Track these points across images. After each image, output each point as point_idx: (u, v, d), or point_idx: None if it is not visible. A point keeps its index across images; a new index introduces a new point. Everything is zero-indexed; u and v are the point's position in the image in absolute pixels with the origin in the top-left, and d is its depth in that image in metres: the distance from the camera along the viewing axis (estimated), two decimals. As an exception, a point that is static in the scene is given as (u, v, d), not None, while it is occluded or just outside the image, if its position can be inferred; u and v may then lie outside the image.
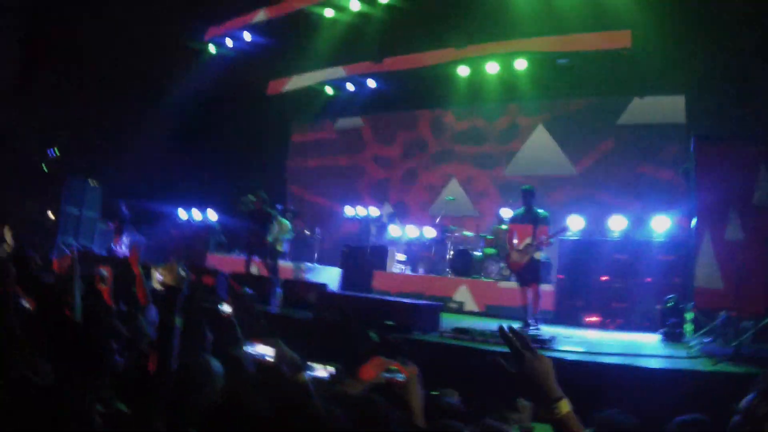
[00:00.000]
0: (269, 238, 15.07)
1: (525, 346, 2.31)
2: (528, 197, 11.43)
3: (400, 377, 3.52)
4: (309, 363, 4.94)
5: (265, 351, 4.22)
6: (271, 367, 4.20)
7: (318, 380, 4.76)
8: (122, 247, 18.73)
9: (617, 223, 13.57)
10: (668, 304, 10.91)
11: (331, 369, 4.96)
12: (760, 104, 12.34)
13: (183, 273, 3.71)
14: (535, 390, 2.28)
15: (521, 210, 11.62)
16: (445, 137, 20.07)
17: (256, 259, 15.19)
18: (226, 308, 5.88)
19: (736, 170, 9.26)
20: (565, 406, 2.24)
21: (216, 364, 3.63)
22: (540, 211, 11.44)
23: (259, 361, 4.22)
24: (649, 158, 15.95)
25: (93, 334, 3.58)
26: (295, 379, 4.21)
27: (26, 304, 5.09)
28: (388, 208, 19.70)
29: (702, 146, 9.74)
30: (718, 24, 13.13)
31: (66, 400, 2.88)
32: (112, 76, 19.20)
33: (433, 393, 4.35)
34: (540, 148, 18.01)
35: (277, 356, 4.27)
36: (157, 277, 4.81)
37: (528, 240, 11.20)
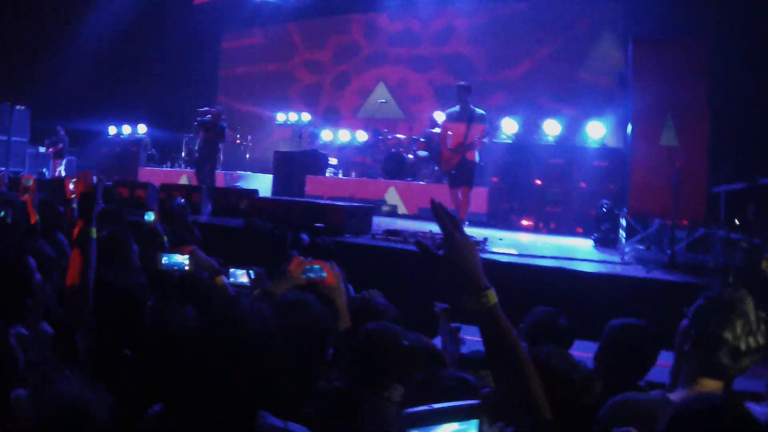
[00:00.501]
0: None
1: (456, 226, 2.07)
2: (463, 94, 10.92)
3: (323, 276, 3.40)
4: (230, 268, 4.84)
5: (182, 259, 4.12)
6: (189, 274, 4.15)
7: (239, 284, 4.69)
8: (60, 171, 18.56)
9: (552, 128, 13.43)
10: (602, 210, 10.85)
11: (251, 273, 4.85)
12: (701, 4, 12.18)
13: (95, 179, 3.55)
14: (463, 276, 2.03)
15: (456, 108, 11.07)
16: (378, 40, 19.64)
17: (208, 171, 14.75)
18: (150, 217, 5.80)
19: (673, 73, 9.11)
20: (492, 296, 2.02)
21: (142, 277, 3.42)
22: (476, 109, 10.96)
23: (180, 271, 4.18)
24: (587, 63, 15.83)
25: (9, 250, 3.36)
26: (213, 283, 4.11)
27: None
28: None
29: (639, 49, 9.54)
30: None
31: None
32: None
33: (362, 293, 4.20)
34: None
35: (192, 263, 4.26)
36: (70, 186, 4.82)
37: (461, 139, 10.81)
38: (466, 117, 10.83)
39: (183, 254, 4.27)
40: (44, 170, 18.70)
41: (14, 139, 19.01)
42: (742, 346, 2.41)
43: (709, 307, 2.51)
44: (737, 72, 11.07)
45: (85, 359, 3.10)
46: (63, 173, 17.96)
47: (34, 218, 5.51)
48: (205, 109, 14.84)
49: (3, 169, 17.43)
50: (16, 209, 6.05)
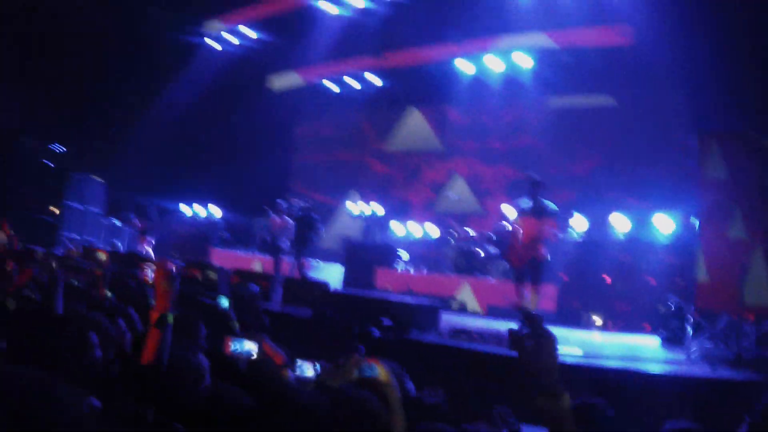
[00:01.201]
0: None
1: (541, 326, 2.19)
2: (535, 188, 10.65)
3: (376, 374, 3.47)
4: (297, 360, 4.93)
5: (251, 347, 4.22)
6: (257, 363, 4.22)
7: (304, 378, 4.77)
8: (148, 247, 18.72)
9: (620, 223, 13.41)
10: (670, 306, 10.72)
11: (317, 367, 4.94)
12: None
13: (174, 268, 3.62)
14: (541, 376, 2.13)
15: (528, 203, 10.72)
16: (447, 132, 19.90)
17: (305, 260, 15.02)
18: (225, 302, 5.85)
19: (739, 164, 9.08)
20: (568, 400, 2.10)
21: (203, 360, 3.57)
22: (548, 204, 10.64)
23: (247, 359, 4.22)
24: (655, 156, 15.79)
25: (71, 326, 3.52)
26: (279, 375, 4.19)
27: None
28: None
29: (704, 140, 9.54)
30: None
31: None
32: (114, 70, 19.15)
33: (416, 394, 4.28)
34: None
35: (260, 352, 4.30)
36: (148, 272, 4.82)
37: (534, 234, 10.49)
38: (539, 212, 10.54)
39: (252, 341, 4.33)
40: (117, 242, 18.81)
41: (90, 209, 19.27)
42: None
43: None
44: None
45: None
46: (150, 252, 18.21)
47: (103, 291, 5.65)
48: (296, 200, 15.13)
49: (78, 237, 17.83)
50: (88, 279, 6.10)
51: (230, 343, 4.26)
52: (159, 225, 19.26)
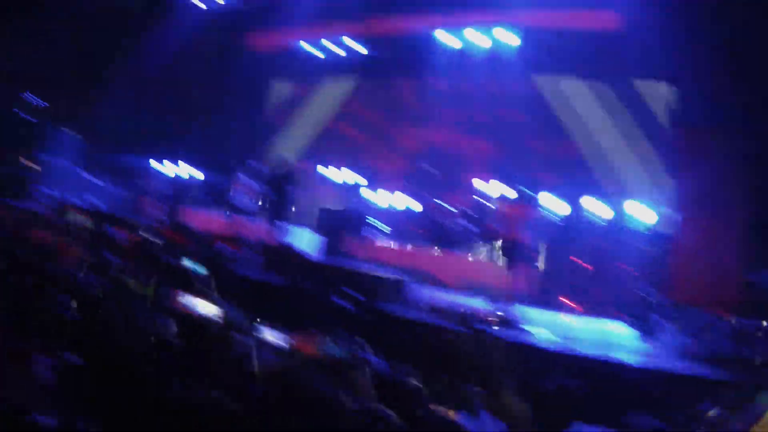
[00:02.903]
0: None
1: (491, 332, 2.17)
2: (517, 175, 11.35)
3: (337, 353, 3.40)
4: (261, 326, 4.88)
5: (215, 310, 4.21)
6: (215, 325, 4.21)
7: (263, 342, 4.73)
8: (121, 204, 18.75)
9: (602, 209, 13.38)
10: (644, 297, 10.72)
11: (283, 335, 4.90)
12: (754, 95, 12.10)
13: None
14: (493, 375, 2.16)
15: (510, 188, 11.34)
16: (429, 101, 19.67)
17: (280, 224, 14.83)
18: (198, 267, 5.93)
19: (719, 160, 9.05)
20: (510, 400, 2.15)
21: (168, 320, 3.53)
22: (529, 192, 11.15)
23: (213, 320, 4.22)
24: (639, 145, 15.76)
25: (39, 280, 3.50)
26: (239, 338, 4.14)
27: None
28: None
29: (686, 134, 9.50)
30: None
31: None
32: (93, 24, 18.89)
33: (390, 373, 4.21)
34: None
35: (226, 316, 4.34)
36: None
37: (515, 220, 10.92)
38: (521, 198, 10.99)
39: (219, 304, 4.28)
40: (92, 199, 18.64)
41: (66, 164, 19.14)
42: None
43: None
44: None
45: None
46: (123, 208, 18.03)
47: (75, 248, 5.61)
48: (282, 161, 14.86)
49: (53, 192, 17.64)
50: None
51: (196, 305, 4.24)
52: (134, 182, 19.09)
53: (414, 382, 3.99)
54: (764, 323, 8.52)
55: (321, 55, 20.38)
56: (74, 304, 3.99)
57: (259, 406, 2.53)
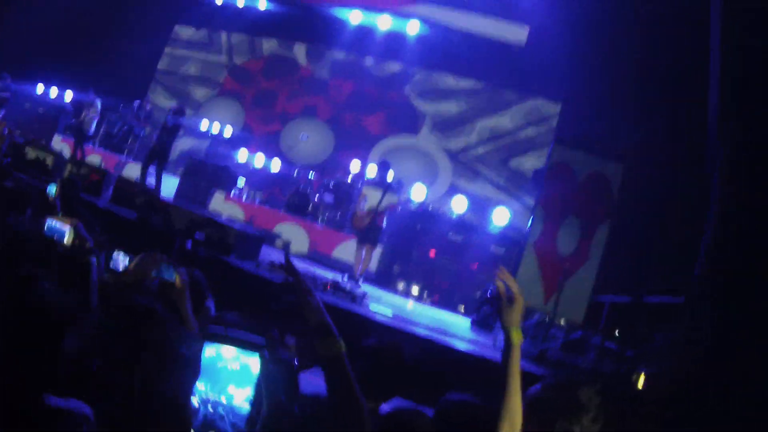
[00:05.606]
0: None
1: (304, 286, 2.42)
2: (384, 164, 11.57)
3: (173, 279, 3.39)
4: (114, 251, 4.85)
5: (65, 229, 4.09)
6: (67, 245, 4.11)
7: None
8: None
9: (459, 205, 13.62)
10: (486, 293, 10.97)
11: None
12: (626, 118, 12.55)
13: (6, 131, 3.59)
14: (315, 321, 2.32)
15: (374, 173, 11.91)
16: (319, 66, 19.64)
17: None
18: (52, 190, 5.93)
19: (584, 178, 9.30)
20: (341, 346, 2.29)
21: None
22: (393, 179, 11.54)
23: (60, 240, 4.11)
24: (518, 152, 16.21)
25: None
26: (85, 259, 4.06)
27: None
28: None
29: (559, 149, 9.73)
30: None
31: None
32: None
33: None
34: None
35: (72, 236, 4.14)
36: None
37: (375, 204, 11.19)
38: (384, 185, 11.32)
39: (66, 224, 4.16)
40: None
41: None
42: None
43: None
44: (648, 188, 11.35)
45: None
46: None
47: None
48: (179, 109, 14.34)
49: None
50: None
51: (46, 223, 4.09)
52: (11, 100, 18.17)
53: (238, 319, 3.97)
54: (596, 338, 8.89)
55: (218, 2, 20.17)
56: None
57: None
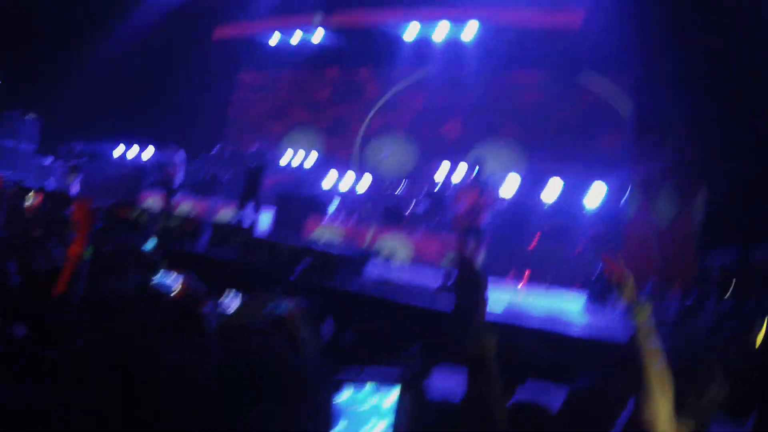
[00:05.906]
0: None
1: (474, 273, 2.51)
2: (477, 163, 11.32)
3: (286, 312, 3.45)
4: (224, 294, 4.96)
5: (172, 280, 4.20)
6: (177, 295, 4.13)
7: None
8: (75, 186, 18.21)
9: (553, 189, 13.57)
10: (595, 271, 10.87)
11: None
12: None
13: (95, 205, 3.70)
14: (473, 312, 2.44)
15: (468, 174, 11.48)
16: (385, 84, 19.84)
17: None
18: (151, 244, 6.11)
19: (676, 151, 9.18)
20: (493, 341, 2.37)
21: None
22: (488, 177, 11.37)
23: (168, 291, 4.08)
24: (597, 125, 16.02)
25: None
26: (197, 306, 4.19)
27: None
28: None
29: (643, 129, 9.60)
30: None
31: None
32: (55, 6, 18.61)
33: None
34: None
35: (182, 286, 4.21)
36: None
37: (472, 205, 11.06)
38: (479, 185, 11.15)
39: (172, 276, 4.28)
40: (48, 181, 18.43)
41: (22, 147, 18.98)
42: None
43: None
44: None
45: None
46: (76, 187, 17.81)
47: (34, 228, 5.57)
48: (260, 151, 14.72)
49: (10, 173, 17.42)
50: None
51: (153, 279, 4.23)
52: (90, 166, 18.80)
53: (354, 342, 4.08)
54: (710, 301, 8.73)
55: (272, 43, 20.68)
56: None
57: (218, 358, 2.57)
